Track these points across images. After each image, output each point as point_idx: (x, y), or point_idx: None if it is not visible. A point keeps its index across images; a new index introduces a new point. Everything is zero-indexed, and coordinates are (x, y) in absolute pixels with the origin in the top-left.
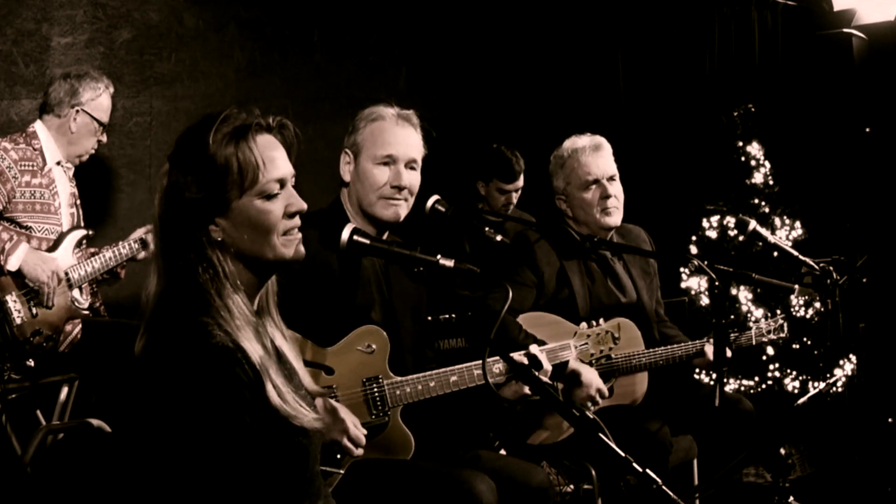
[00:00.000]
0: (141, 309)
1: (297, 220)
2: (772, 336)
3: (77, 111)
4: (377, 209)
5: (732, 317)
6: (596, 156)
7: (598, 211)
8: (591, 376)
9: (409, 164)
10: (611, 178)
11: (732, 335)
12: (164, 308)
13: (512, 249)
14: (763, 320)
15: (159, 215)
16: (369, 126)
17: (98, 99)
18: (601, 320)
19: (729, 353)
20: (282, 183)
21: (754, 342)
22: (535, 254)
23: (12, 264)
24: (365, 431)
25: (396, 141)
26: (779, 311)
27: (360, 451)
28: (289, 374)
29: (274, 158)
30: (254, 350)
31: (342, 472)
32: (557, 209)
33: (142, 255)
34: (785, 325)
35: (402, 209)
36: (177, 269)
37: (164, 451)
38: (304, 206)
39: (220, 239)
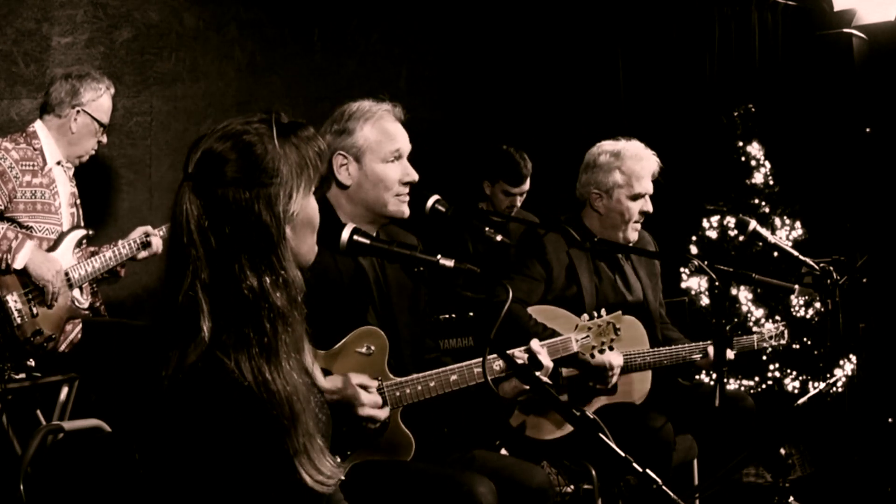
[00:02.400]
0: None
1: None
2: (773, 342)
3: (78, 111)
4: (390, 208)
5: (736, 320)
6: (651, 172)
7: (631, 223)
8: (610, 358)
9: (408, 157)
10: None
11: (734, 338)
12: (217, 346)
13: (522, 243)
14: (765, 326)
15: (212, 246)
16: (368, 125)
17: (99, 100)
18: (602, 311)
19: (731, 355)
20: None
21: (756, 346)
22: (544, 248)
23: (19, 263)
24: (375, 384)
25: (400, 135)
26: (779, 318)
27: (384, 413)
28: (311, 384)
29: None
30: (300, 394)
31: (342, 476)
32: (579, 200)
33: (142, 254)
34: (786, 332)
35: (407, 204)
36: (241, 302)
37: (173, 483)
38: None
39: (289, 249)
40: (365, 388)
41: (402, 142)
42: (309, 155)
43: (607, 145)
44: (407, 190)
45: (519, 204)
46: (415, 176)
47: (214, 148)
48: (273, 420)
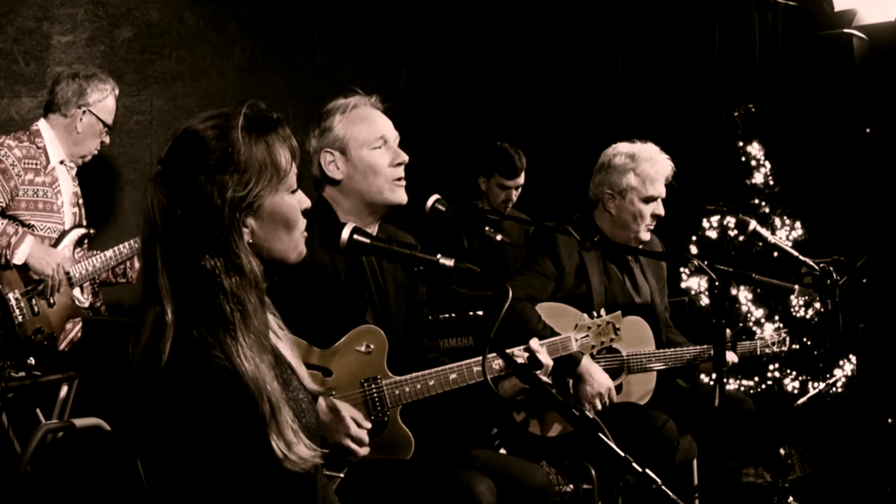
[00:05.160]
0: (147, 325)
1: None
2: (774, 349)
3: (84, 111)
4: (386, 195)
5: (740, 324)
6: (665, 176)
7: (643, 226)
8: (601, 377)
9: (410, 156)
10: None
11: (738, 345)
12: (178, 325)
13: (535, 240)
14: (767, 333)
15: (170, 224)
16: (346, 118)
17: (105, 100)
18: (602, 311)
19: (735, 359)
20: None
21: (758, 352)
22: (557, 246)
23: (19, 257)
24: (369, 426)
25: (382, 122)
26: (779, 320)
27: (364, 451)
28: (288, 379)
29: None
30: (260, 377)
31: (342, 475)
32: (592, 200)
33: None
34: (787, 339)
35: (404, 191)
36: (195, 282)
37: (163, 472)
38: (310, 202)
39: (250, 241)
40: (358, 423)
41: (385, 128)
42: (276, 150)
43: (623, 147)
44: (401, 174)
45: (515, 198)
46: (404, 157)
47: (184, 135)
48: (243, 398)
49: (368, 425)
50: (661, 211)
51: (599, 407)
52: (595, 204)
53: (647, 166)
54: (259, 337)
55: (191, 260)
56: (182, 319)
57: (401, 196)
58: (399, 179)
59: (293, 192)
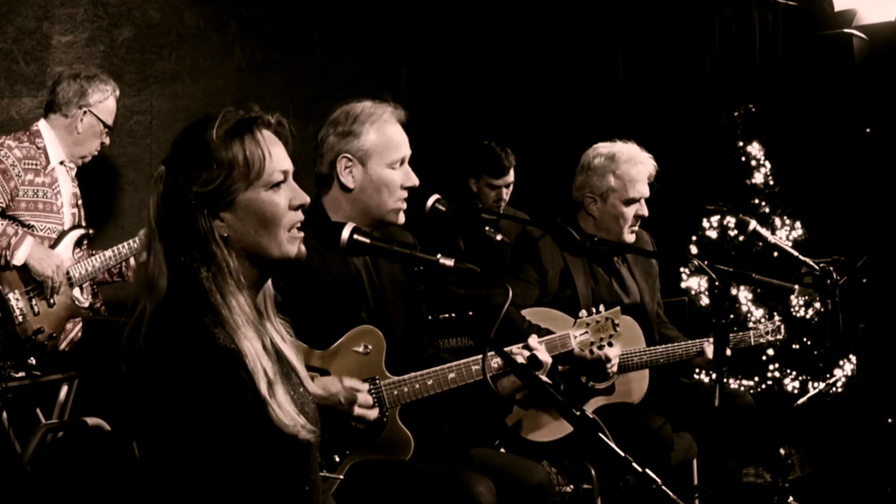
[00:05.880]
0: (138, 310)
1: (300, 215)
2: (769, 338)
3: (85, 112)
4: (391, 216)
5: (732, 317)
6: (647, 176)
7: (626, 227)
8: (606, 351)
9: (409, 156)
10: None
11: (731, 335)
12: (170, 309)
13: (516, 247)
14: (761, 322)
15: (159, 218)
16: (374, 128)
17: (106, 101)
18: (601, 307)
19: (728, 353)
20: (285, 174)
21: (752, 343)
22: (539, 252)
23: (18, 258)
24: (365, 387)
25: (404, 141)
26: (776, 314)
27: (374, 413)
28: (287, 373)
29: (277, 151)
30: (252, 349)
31: (341, 477)
32: (575, 202)
33: (143, 256)
34: (782, 327)
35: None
36: (181, 270)
37: (161, 452)
38: (307, 199)
39: (225, 235)
40: (355, 389)
41: (406, 148)
42: (249, 148)
43: (602, 148)
44: (406, 195)
45: (506, 197)
46: (416, 181)
47: (179, 134)
48: (237, 370)
49: (365, 386)
50: (644, 212)
51: (613, 371)
52: (578, 206)
53: (627, 167)
54: (244, 317)
55: (173, 250)
56: (169, 304)
57: (401, 218)
58: (403, 202)
59: (272, 187)
